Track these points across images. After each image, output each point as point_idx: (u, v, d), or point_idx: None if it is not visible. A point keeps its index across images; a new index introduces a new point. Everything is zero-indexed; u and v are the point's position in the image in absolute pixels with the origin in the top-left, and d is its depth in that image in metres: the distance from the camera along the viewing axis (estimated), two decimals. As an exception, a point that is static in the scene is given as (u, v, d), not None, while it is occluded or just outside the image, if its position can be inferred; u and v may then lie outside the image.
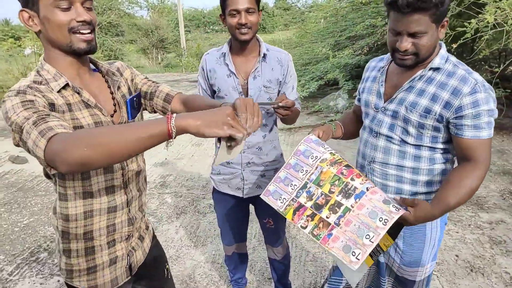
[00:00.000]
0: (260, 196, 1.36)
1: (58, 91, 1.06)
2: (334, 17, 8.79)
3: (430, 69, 1.32)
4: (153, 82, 1.36)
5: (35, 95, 0.99)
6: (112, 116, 1.18)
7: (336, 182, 1.23)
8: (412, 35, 1.23)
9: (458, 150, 1.32)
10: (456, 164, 1.43)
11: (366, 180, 1.22)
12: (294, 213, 1.26)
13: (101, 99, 1.17)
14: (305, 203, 1.25)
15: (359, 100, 1.65)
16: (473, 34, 3.02)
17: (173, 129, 0.80)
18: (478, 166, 1.27)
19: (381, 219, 1.11)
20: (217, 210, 2.12)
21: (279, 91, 1.85)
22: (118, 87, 1.25)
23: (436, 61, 1.30)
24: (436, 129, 1.32)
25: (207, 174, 4.41)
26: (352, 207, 1.16)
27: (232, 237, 2.16)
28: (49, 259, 2.92)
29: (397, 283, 1.57)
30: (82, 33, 1.04)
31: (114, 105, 1.20)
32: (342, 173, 1.24)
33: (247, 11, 1.65)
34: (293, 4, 17.19)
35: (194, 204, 3.75)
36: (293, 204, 1.27)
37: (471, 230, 3.07)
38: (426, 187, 1.42)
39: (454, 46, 3.29)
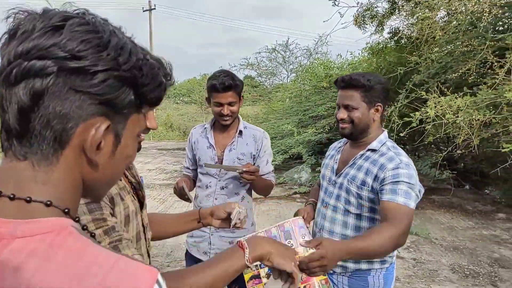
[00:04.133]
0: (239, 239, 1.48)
1: None
2: (298, 98, 9.54)
3: (368, 150, 1.58)
4: None
5: None
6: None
7: None
8: (346, 107, 1.55)
9: (380, 212, 1.46)
10: None
11: None
12: (251, 278, 1.37)
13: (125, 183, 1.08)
14: (263, 277, 1.35)
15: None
16: (418, 123, 3.51)
17: (251, 262, 0.86)
18: (391, 227, 1.33)
19: None
20: None
21: (254, 164, 2.08)
22: (133, 169, 1.19)
23: (374, 144, 1.58)
24: (371, 200, 1.52)
25: (171, 241, 4.40)
26: None
27: None
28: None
29: None
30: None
31: (133, 187, 1.14)
32: (301, 278, 1.29)
33: (229, 104, 1.94)
34: (260, 83, 18.36)
35: (157, 272, 3.70)
36: (254, 270, 1.37)
37: (425, 302, 3.24)
38: None
39: (402, 134, 3.78)
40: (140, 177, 1.20)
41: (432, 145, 7.45)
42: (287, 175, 7.55)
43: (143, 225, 1.11)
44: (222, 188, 2.06)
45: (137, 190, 1.12)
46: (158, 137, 17.14)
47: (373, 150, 1.58)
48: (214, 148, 2.05)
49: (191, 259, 2.13)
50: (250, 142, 2.07)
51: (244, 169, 1.83)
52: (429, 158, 6.27)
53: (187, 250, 2.17)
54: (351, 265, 1.61)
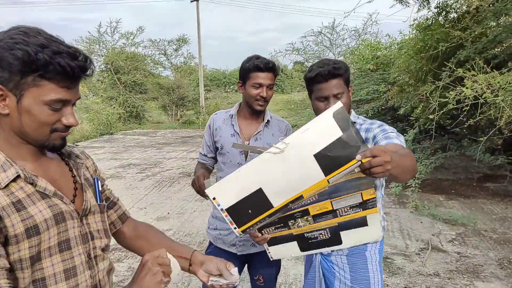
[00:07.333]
0: None
1: (5, 186, 0.87)
2: (342, 82, 9.19)
3: None
4: (112, 191, 1.26)
5: None
6: (73, 202, 1.00)
7: None
8: (336, 96, 1.59)
9: None
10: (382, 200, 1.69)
11: None
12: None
13: (61, 184, 1.00)
14: None
15: None
16: (454, 104, 3.18)
17: None
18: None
19: None
20: None
21: None
22: (80, 170, 1.10)
23: (351, 118, 1.66)
24: None
25: (204, 230, 4.46)
26: None
27: None
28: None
29: None
30: (63, 132, 0.95)
31: (75, 189, 1.03)
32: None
33: (268, 86, 1.90)
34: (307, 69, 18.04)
35: (187, 259, 3.77)
36: None
37: (464, 300, 2.98)
38: None
39: (431, 116, 3.45)
40: (95, 178, 1.13)
41: (479, 129, 6.80)
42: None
43: (83, 233, 1.02)
44: None
45: (84, 192, 1.05)
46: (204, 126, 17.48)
47: (353, 123, 1.62)
48: (239, 136, 1.99)
49: (219, 251, 2.05)
50: (276, 132, 2.01)
51: None
52: (483, 143, 5.70)
53: (210, 242, 2.12)
54: None
